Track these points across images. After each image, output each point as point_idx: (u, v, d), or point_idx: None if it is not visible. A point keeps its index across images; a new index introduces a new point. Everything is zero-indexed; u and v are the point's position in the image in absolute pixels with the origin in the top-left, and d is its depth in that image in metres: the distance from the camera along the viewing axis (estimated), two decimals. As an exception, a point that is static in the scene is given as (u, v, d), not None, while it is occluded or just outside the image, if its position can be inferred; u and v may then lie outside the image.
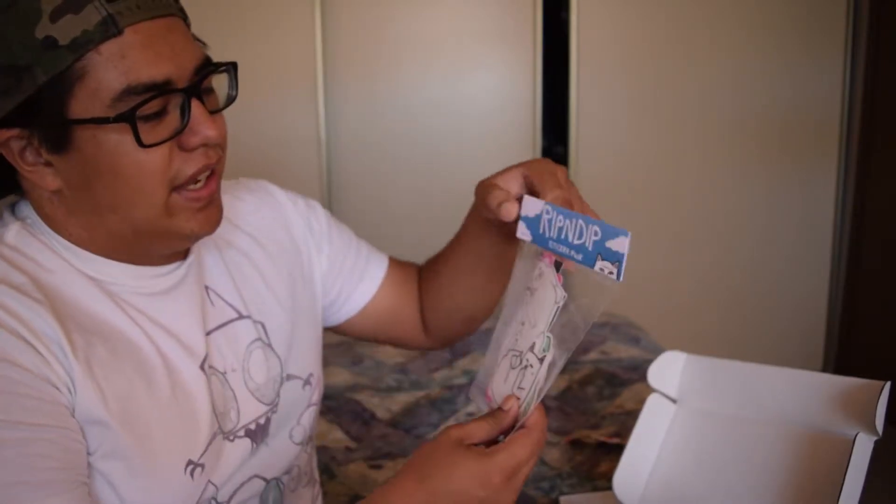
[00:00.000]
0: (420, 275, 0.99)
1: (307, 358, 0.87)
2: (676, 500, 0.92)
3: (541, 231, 0.69)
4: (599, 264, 0.63)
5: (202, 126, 0.65)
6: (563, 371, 1.67)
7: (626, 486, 0.96)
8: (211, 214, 0.70)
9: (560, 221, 0.67)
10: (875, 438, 0.80)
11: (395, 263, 0.99)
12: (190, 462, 0.70)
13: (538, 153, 2.49)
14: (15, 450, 0.58)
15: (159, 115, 0.64)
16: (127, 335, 0.68)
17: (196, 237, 0.71)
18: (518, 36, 2.43)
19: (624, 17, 2.47)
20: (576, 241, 0.66)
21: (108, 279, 0.70)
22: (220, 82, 0.74)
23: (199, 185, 0.68)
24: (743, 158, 2.59)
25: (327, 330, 0.98)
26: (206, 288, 0.78)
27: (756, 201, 2.62)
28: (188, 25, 0.69)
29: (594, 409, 1.48)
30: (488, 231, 0.82)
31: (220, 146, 0.70)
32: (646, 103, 2.53)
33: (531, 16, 2.41)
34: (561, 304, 0.66)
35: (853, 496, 0.78)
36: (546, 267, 0.69)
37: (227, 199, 0.86)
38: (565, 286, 0.67)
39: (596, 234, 0.64)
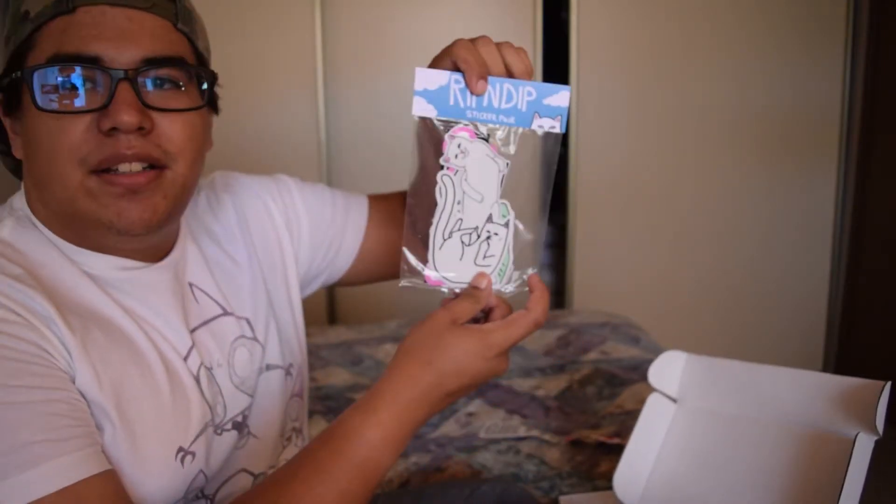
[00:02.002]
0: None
1: (286, 348, 0.88)
2: (677, 500, 0.92)
3: (451, 103, 0.66)
4: (537, 122, 0.66)
5: (118, 111, 0.63)
6: (563, 371, 1.68)
7: (627, 485, 0.96)
8: (131, 209, 0.66)
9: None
10: (875, 438, 0.80)
11: (377, 200, 0.99)
12: (181, 449, 0.70)
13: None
14: (32, 410, 0.59)
15: (75, 88, 0.63)
16: (119, 324, 0.69)
17: (118, 230, 0.67)
18: (518, 36, 2.43)
19: (624, 17, 2.46)
20: (504, 106, 0.65)
21: (94, 271, 0.70)
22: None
23: (125, 174, 0.66)
24: (743, 158, 2.59)
25: (335, 286, 1.00)
26: (190, 285, 0.79)
27: (756, 201, 2.62)
28: (179, 30, 0.69)
29: (594, 409, 1.48)
30: None
31: (163, 149, 0.67)
32: (646, 103, 2.53)
33: (531, 16, 2.41)
34: (505, 171, 0.67)
35: (853, 496, 0.78)
36: (468, 141, 0.67)
37: (205, 201, 0.88)
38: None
39: (530, 94, 0.65)
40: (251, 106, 2.31)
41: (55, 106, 0.63)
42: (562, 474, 1.23)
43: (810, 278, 2.69)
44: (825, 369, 2.76)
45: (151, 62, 0.65)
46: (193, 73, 0.70)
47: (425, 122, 0.67)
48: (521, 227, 0.69)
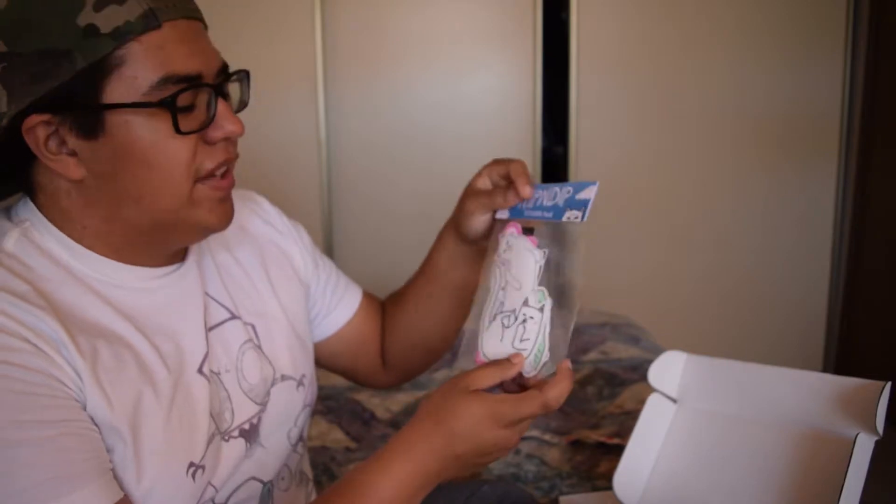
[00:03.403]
0: (384, 308, 1.03)
1: (299, 359, 0.88)
2: (676, 500, 0.92)
3: (518, 207, 0.79)
4: (567, 214, 0.73)
5: (226, 121, 0.69)
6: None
7: (626, 485, 0.96)
8: (228, 209, 0.74)
9: (537, 193, 0.78)
10: (875, 439, 0.80)
11: (368, 296, 1.02)
12: (192, 464, 0.70)
13: (538, 153, 2.49)
14: (43, 447, 0.59)
15: (189, 108, 0.67)
16: (128, 340, 0.68)
17: (211, 230, 0.73)
18: (518, 36, 2.43)
19: (624, 17, 2.47)
20: (548, 204, 0.76)
21: (111, 280, 0.70)
22: (231, 89, 0.78)
23: (219, 176, 0.72)
24: (743, 158, 2.59)
25: None
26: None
27: (756, 201, 2.62)
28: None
29: (594, 409, 1.48)
30: (459, 253, 0.90)
31: (234, 144, 0.74)
32: (646, 103, 2.53)
33: (531, 16, 2.41)
34: (542, 262, 0.73)
35: (853, 496, 0.78)
36: (514, 237, 0.76)
37: None
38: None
39: (569, 192, 0.75)
40: (251, 106, 2.30)
41: (186, 128, 0.66)
42: (562, 474, 1.23)
43: (810, 278, 2.69)
44: (825, 369, 2.76)
45: (224, 70, 0.71)
46: (240, 74, 0.75)
47: (497, 223, 0.81)
48: (552, 315, 0.74)
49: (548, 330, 0.72)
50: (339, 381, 1.65)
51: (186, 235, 0.73)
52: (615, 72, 2.49)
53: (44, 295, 0.65)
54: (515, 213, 0.79)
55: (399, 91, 2.44)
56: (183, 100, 0.65)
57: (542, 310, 0.72)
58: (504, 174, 0.81)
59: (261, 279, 0.87)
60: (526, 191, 0.77)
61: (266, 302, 0.86)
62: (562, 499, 1.12)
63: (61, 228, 0.69)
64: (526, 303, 0.73)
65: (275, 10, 2.32)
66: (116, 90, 0.63)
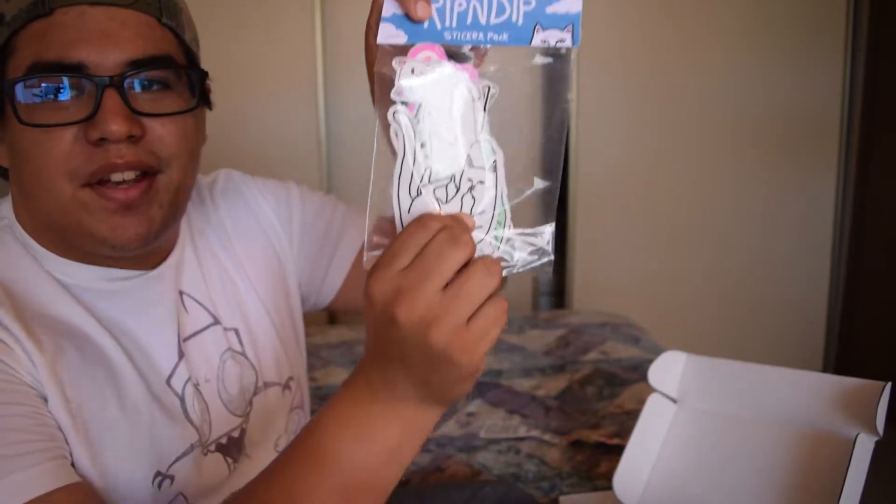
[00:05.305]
0: None
1: (285, 362, 0.84)
2: (676, 500, 0.92)
3: (426, 26, 0.53)
4: (540, 36, 0.51)
5: (105, 120, 0.60)
6: (563, 371, 1.68)
7: (626, 486, 0.95)
8: (126, 224, 0.64)
9: (460, 5, 0.53)
10: (876, 439, 0.80)
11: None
12: (158, 473, 0.68)
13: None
14: None
15: (59, 98, 0.61)
16: (97, 342, 0.66)
17: (111, 245, 0.65)
18: (518, 36, 2.43)
19: (624, 17, 2.46)
20: (494, 21, 0.52)
21: (77, 282, 0.68)
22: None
23: (119, 185, 0.63)
24: (743, 158, 2.59)
25: (325, 310, 0.95)
26: (181, 293, 0.76)
27: (756, 201, 2.62)
28: (164, 24, 0.66)
29: (594, 409, 1.47)
30: None
31: (156, 155, 0.64)
32: (646, 103, 2.53)
33: (531, 16, 2.41)
34: (485, 98, 0.51)
35: (854, 497, 0.78)
36: (425, 64, 0.51)
37: (202, 206, 0.83)
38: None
39: (528, 2, 0.52)
40: (251, 106, 2.31)
41: (39, 119, 0.60)
42: (562, 474, 1.23)
43: (810, 278, 2.69)
44: (825, 369, 2.76)
45: (137, 64, 0.62)
46: (182, 71, 0.67)
47: (387, 52, 0.52)
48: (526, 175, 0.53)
49: (505, 192, 0.52)
50: (339, 380, 1.64)
51: (93, 244, 0.65)
52: (615, 72, 2.49)
53: (10, 294, 0.63)
54: (424, 35, 0.52)
55: (399, 91, 2.43)
56: (42, 85, 0.60)
57: (494, 168, 0.52)
58: None
59: (243, 280, 0.83)
60: (418, 10, 0.51)
61: (249, 305, 0.82)
62: (562, 499, 1.12)
63: (19, 221, 0.68)
64: (469, 162, 0.51)
65: (275, 9, 2.31)
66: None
